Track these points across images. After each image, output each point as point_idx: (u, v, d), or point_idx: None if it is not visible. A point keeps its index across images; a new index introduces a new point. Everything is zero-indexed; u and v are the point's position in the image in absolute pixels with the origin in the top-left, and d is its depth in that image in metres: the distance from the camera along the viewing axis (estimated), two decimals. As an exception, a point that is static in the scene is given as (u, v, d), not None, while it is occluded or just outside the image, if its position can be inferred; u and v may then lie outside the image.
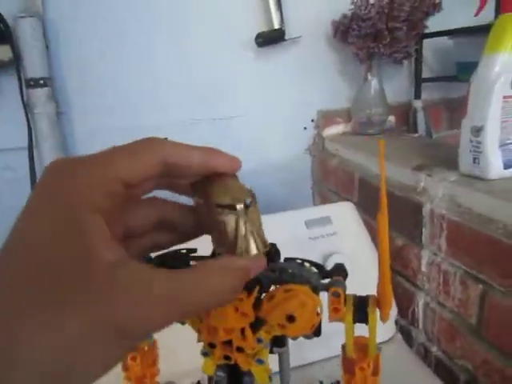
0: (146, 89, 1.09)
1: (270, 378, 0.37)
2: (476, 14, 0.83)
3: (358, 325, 0.34)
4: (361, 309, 0.33)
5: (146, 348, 0.42)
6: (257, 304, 0.32)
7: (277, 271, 0.33)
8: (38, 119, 0.96)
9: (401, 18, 1.06)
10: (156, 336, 0.43)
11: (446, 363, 0.77)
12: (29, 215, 0.22)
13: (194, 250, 0.34)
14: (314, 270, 0.35)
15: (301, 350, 0.69)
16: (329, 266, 0.80)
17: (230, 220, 0.26)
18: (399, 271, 0.86)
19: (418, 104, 1.26)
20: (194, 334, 0.35)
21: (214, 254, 0.30)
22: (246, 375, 0.35)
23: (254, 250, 0.27)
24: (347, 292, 0.34)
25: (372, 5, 1.07)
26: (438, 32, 1.14)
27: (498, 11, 0.95)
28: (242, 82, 1.17)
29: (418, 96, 1.25)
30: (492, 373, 0.67)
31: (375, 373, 0.34)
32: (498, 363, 0.65)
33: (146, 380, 0.43)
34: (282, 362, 0.43)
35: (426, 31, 1.14)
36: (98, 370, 0.21)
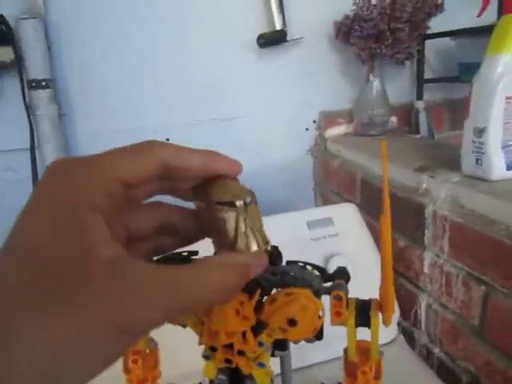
0: (148, 90, 1.09)
1: (272, 381, 0.37)
2: (479, 15, 0.83)
3: (360, 328, 0.34)
4: (363, 312, 0.32)
5: (148, 351, 0.41)
6: (258, 307, 0.32)
7: (278, 274, 0.33)
8: (40, 121, 0.96)
9: (403, 18, 1.06)
10: (157, 338, 0.43)
11: (449, 365, 0.77)
12: (29, 215, 0.22)
13: (196, 253, 0.34)
14: (316, 273, 0.35)
15: (301, 352, 0.69)
16: (330, 267, 0.80)
17: (229, 217, 0.26)
18: (401, 272, 0.86)
19: (420, 105, 1.25)
20: (195, 336, 0.35)
21: None
22: (247, 378, 0.35)
23: (254, 247, 0.27)
24: (349, 295, 0.33)
25: (374, 5, 1.07)
26: (440, 33, 1.14)
27: (501, 12, 0.95)
28: (244, 83, 1.17)
29: (420, 97, 1.25)
30: (494, 374, 0.66)
31: (377, 377, 0.34)
32: (501, 365, 0.65)
33: (148, 383, 0.42)
34: (284, 365, 0.43)
35: (428, 32, 1.14)
36: (98, 367, 0.22)
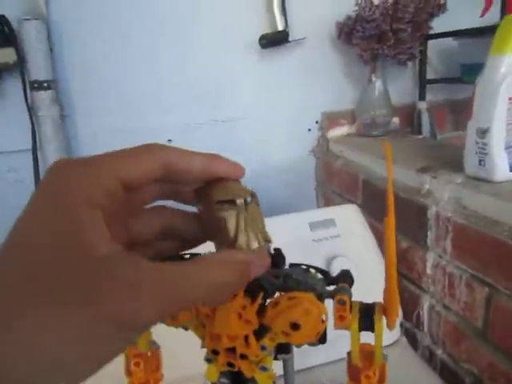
0: (149, 91, 1.09)
1: (274, 383, 0.36)
2: (482, 15, 0.83)
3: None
4: (367, 316, 0.32)
5: (150, 353, 0.41)
6: (261, 311, 0.31)
7: (281, 277, 0.32)
8: (42, 122, 0.96)
9: (405, 19, 1.06)
10: (159, 341, 0.43)
11: (451, 366, 0.77)
12: (29, 215, 0.22)
13: (197, 255, 0.34)
14: (320, 276, 0.34)
15: (303, 354, 0.69)
16: (333, 268, 0.79)
17: (230, 215, 0.26)
18: (404, 274, 0.85)
19: (422, 105, 1.25)
20: (198, 339, 0.35)
21: None
22: (249, 382, 0.35)
23: (255, 244, 0.26)
24: (352, 297, 0.33)
25: (376, 6, 1.06)
26: (442, 33, 1.14)
27: (504, 12, 0.95)
28: (246, 84, 1.16)
29: (422, 97, 1.25)
30: (497, 376, 0.66)
31: (381, 381, 0.34)
32: (504, 367, 0.65)
33: (150, 386, 0.42)
34: (287, 368, 0.42)
35: (431, 32, 1.14)
36: (96, 365, 0.22)
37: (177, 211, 0.30)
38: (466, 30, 1.06)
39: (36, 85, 0.94)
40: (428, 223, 0.77)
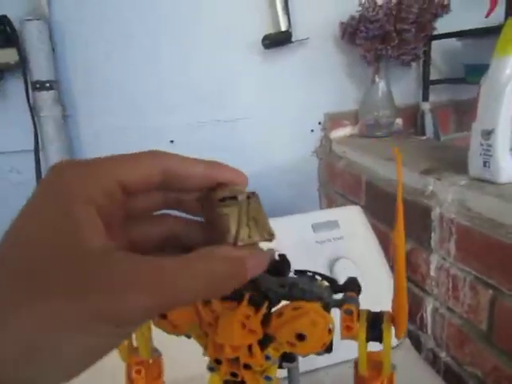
0: (151, 91, 1.09)
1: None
2: (487, 16, 0.82)
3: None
4: (375, 326, 0.31)
5: (151, 361, 0.41)
6: (265, 320, 0.31)
7: (286, 286, 0.32)
8: (44, 122, 0.96)
9: (409, 19, 1.05)
10: (161, 348, 0.42)
11: (455, 369, 0.76)
12: (29, 213, 0.23)
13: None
14: (326, 284, 0.33)
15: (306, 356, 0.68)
16: (336, 270, 0.79)
17: (232, 211, 0.26)
18: (407, 276, 0.85)
19: (425, 106, 1.25)
20: (200, 347, 0.34)
21: None
22: None
23: (256, 237, 0.26)
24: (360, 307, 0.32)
25: (380, 6, 1.06)
26: (446, 34, 1.13)
27: (509, 13, 0.94)
28: (249, 84, 1.16)
29: (425, 98, 1.24)
30: (502, 379, 0.66)
31: (389, 391, 0.33)
32: (508, 370, 0.64)
33: (151, 393, 0.42)
34: (292, 376, 0.42)
35: (435, 33, 1.13)
36: (91, 360, 0.22)
37: (179, 219, 0.29)
38: (470, 30, 1.06)
39: (38, 85, 0.94)
40: (432, 225, 0.76)
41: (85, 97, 1.04)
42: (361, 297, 0.34)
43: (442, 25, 1.12)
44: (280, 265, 0.33)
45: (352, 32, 1.11)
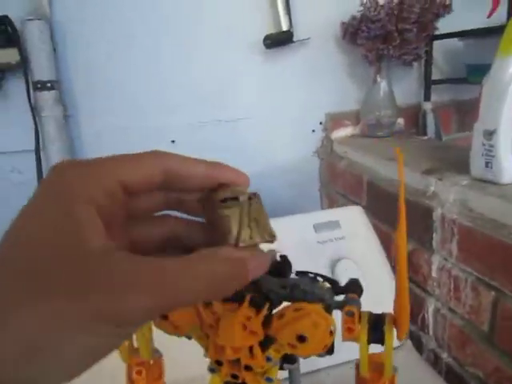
0: (152, 90, 1.09)
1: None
2: (489, 16, 0.82)
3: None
4: (376, 328, 0.31)
5: (152, 362, 0.41)
6: (266, 322, 0.31)
7: (288, 288, 0.31)
8: (46, 122, 0.96)
9: (411, 19, 1.05)
10: (162, 349, 0.42)
11: (457, 370, 0.76)
12: (30, 213, 0.23)
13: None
14: (327, 285, 0.33)
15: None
16: (337, 270, 0.79)
17: (233, 212, 0.26)
18: (409, 276, 0.85)
19: (427, 106, 1.25)
20: (201, 348, 0.34)
21: None
22: None
23: (257, 239, 0.26)
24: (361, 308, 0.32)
25: (381, 6, 1.06)
26: (448, 34, 1.13)
27: (511, 13, 0.94)
28: (250, 84, 1.16)
29: (427, 98, 1.24)
30: (503, 380, 0.65)
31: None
32: (510, 371, 0.64)
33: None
34: (293, 377, 0.41)
35: (436, 33, 1.13)
36: (92, 360, 0.22)
37: (180, 219, 0.29)
38: (472, 30, 1.05)
39: (39, 85, 0.94)
40: (433, 225, 0.76)
41: (86, 97, 1.04)
42: (362, 297, 0.34)
43: (443, 25, 1.12)
44: (281, 266, 0.32)
45: (353, 32, 1.11)
